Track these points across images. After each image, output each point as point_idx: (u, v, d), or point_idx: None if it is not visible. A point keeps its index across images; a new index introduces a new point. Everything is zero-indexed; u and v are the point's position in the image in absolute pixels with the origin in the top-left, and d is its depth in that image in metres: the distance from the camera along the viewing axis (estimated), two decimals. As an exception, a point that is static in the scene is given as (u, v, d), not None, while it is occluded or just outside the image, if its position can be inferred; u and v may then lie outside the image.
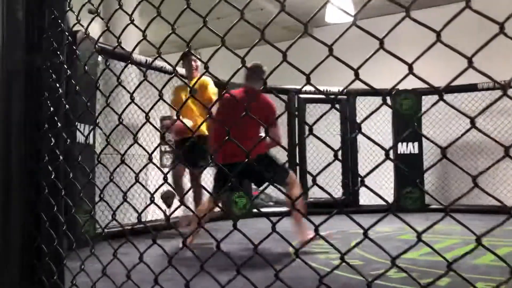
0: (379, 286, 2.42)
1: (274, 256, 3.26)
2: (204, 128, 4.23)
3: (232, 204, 5.73)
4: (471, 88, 6.34)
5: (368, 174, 1.03)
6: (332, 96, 5.97)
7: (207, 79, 4.59)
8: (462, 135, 0.95)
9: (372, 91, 5.04)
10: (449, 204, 0.94)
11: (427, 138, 1.12)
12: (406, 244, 3.80)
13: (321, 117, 1.07)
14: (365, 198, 6.81)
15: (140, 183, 1.22)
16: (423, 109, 6.67)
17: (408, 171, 6.33)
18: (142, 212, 1.30)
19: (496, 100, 0.90)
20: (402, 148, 6.55)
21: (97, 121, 1.84)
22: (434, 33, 0.91)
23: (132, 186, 1.30)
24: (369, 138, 1.03)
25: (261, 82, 3.59)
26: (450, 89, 6.26)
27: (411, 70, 0.93)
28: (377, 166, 0.99)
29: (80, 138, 3.68)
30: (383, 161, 0.95)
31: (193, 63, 4.60)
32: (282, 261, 3.08)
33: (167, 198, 6.35)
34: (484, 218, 5.37)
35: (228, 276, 1.17)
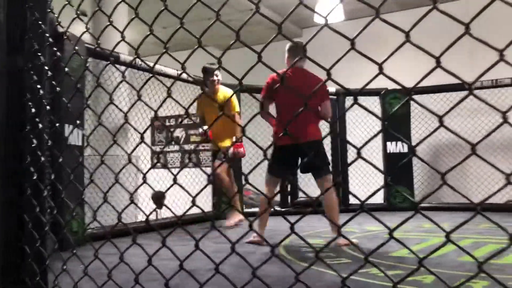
0: (361, 283, 2.45)
1: (257, 256, 3.27)
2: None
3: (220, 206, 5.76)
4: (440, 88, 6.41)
5: (342, 170, 1.05)
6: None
7: (228, 91, 4.86)
8: (431, 134, 0.97)
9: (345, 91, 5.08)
10: (419, 202, 0.96)
11: (401, 139, 1.14)
12: (392, 242, 3.81)
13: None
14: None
15: (119, 183, 1.23)
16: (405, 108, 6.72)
17: (397, 170, 6.36)
18: (121, 212, 1.30)
19: (463, 98, 0.92)
20: (392, 147, 6.59)
21: (82, 121, 1.84)
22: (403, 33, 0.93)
23: (111, 187, 1.31)
24: (342, 138, 1.05)
25: (305, 59, 3.33)
26: (438, 89, 6.30)
27: (381, 70, 0.95)
28: (349, 164, 1.01)
29: (71, 139, 3.68)
30: (354, 161, 0.96)
31: (214, 76, 4.80)
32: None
33: (157, 199, 6.34)
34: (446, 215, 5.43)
35: (207, 277, 1.18)
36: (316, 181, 3.67)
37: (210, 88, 4.89)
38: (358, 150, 0.96)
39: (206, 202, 5.90)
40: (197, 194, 1.12)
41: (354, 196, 1.05)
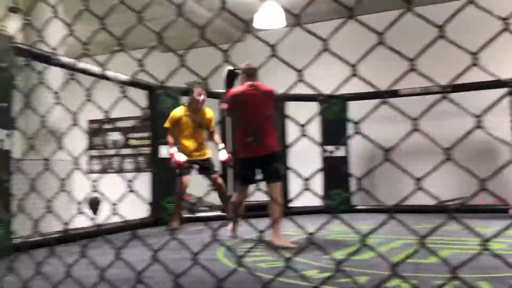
0: (301, 286, 2.45)
1: (204, 262, 3.18)
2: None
3: (165, 210, 5.59)
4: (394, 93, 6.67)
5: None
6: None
7: (210, 111, 5.33)
8: (404, 137, 0.96)
9: (306, 96, 5.15)
10: (394, 204, 0.94)
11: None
12: (330, 244, 3.89)
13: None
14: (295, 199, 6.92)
15: (64, 190, 1.12)
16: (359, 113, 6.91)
17: (335, 173, 6.49)
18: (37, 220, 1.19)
19: (435, 103, 0.92)
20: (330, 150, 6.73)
21: (14, 125, 1.69)
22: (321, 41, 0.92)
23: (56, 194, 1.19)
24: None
25: (256, 78, 3.96)
26: (376, 95, 6.53)
27: (300, 77, 0.93)
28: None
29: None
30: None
31: (202, 96, 5.13)
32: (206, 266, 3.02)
33: (93, 205, 6.06)
34: (424, 218, 5.66)
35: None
36: (267, 186, 3.91)
37: (195, 105, 5.19)
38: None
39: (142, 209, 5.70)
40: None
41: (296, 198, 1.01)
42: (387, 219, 0.84)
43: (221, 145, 5.21)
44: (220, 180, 5.28)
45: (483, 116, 0.82)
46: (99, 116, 5.94)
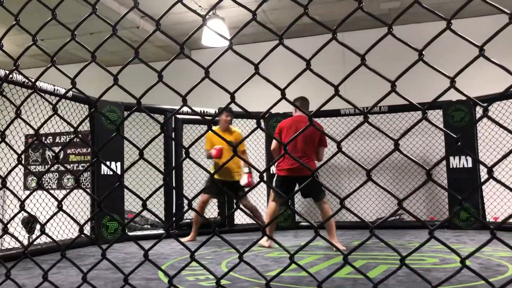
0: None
1: (140, 282, 3.12)
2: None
3: (102, 228, 5.42)
4: (335, 113, 6.89)
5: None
6: (209, 118, 6.05)
7: (240, 133, 5.65)
8: (330, 158, 1.00)
9: (246, 114, 5.20)
10: (318, 225, 0.98)
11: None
12: (273, 261, 3.95)
13: (197, 139, 1.06)
14: (240, 217, 6.95)
15: None
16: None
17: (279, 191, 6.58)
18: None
19: (359, 125, 0.97)
20: (274, 168, 6.82)
21: None
22: (304, 61, 0.96)
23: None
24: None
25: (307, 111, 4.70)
26: (319, 113, 6.71)
27: (283, 95, 0.97)
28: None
29: None
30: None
31: (229, 117, 5.51)
32: (149, 285, 2.96)
33: (28, 223, 5.77)
34: (346, 233, 5.82)
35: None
36: (316, 203, 4.69)
37: (223, 126, 5.53)
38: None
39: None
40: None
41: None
42: (313, 237, 0.87)
43: (246, 169, 5.41)
44: (245, 204, 5.46)
45: (400, 140, 0.88)
46: (41, 130, 5.71)
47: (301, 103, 4.75)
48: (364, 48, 1.03)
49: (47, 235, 1.04)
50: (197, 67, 1.08)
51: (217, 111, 5.85)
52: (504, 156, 0.87)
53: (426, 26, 6.46)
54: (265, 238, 5.01)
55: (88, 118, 5.67)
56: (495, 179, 0.86)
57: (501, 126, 0.92)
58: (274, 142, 4.91)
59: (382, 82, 1.00)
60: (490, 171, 0.87)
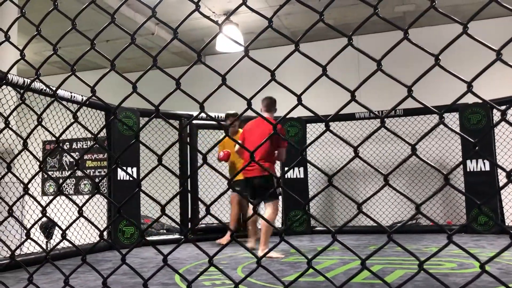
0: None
1: (157, 287, 3.14)
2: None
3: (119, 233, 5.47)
4: (350, 117, 6.87)
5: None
6: (225, 123, 6.09)
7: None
8: (347, 163, 1.01)
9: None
10: (338, 229, 0.98)
11: (313, 164, 1.17)
12: (289, 266, 3.94)
13: (215, 145, 1.07)
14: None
15: (14, 216, 1.10)
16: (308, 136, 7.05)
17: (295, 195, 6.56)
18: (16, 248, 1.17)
19: (376, 130, 0.97)
20: (289, 173, 6.81)
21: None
22: (320, 67, 0.97)
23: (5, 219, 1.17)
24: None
25: (274, 111, 4.79)
26: (335, 117, 6.69)
27: (300, 101, 0.98)
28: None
29: None
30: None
31: (236, 122, 5.60)
32: (173, 291, 2.97)
33: (46, 229, 5.85)
34: (362, 238, 5.78)
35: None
36: (264, 204, 4.61)
37: (231, 130, 5.77)
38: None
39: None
40: (107, 226, 1.04)
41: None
42: (331, 242, 0.88)
43: None
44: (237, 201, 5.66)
45: (417, 144, 0.88)
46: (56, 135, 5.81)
47: (268, 102, 4.73)
48: (378, 51, 1.03)
49: (68, 240, 1.05)
50: (212, 73, 1.09)
51: (223, 117, 6.02)
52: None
53: (441, 29, 6.41)
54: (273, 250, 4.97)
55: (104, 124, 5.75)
56: (514, 184, 0.85)
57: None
58: (236, 146, 4.99)
59: (396, 85, 1.00)
60: (509, 175, 0.87)
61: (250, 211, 4.86)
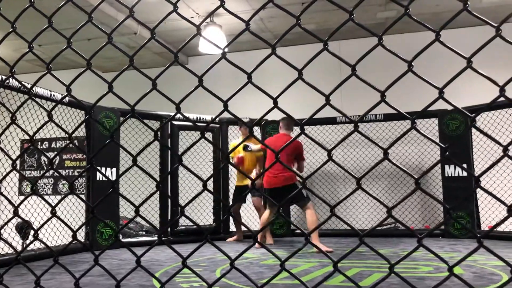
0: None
1: (141, 289, 3.11)
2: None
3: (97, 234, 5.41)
4: (331, 121, 6.92)
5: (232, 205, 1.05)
6: (203, 124, 6.07)
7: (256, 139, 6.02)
8: (320, 167, 1.02)
9: (238, 121, 5.23)
10: (308, 233, 0.99)
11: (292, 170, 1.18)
12: (268, 269, 3.95)
13: (190, 146, 1.07)
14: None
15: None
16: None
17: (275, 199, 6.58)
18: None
19: (349, 135, 0.98)
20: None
21: None
22: (296, 71, 0.98)
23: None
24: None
25: (292, 129, 5.48)
26: (314, 121, 6.74)
27: (275, 104, 0.98)
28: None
29: None
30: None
31: (246, 130, 6.01)
32: (150, 293, 2.95)
33: (22, 229, 5.75)
34: (341, 241, 5.83)
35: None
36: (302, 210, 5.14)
37: (243, 136, 6.12)
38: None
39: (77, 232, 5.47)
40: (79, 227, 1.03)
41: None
42: (304, 244, 0.88)
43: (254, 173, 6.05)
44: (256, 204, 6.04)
45: (389, 149, 0.90)
46: (36, 135, 5.74)
47: (287, 122, 5.43)
48: (359, 56, 1.04)
49: (40, 240, 1.04)
50: (197, 74, 1.10)
51: (205, 119, 6.40)
52: (491, 166, 0.89)
53: (419, 36, 6.51)
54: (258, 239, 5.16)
55: (84, 124, 5.68)
56: (482, 188, 0.87)
57: (487, 136, 0.93)
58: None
59: (377, 91, 1.02)
60: (477, 180, 0.89)
61: (266, 214, 5.28)
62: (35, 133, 1.14)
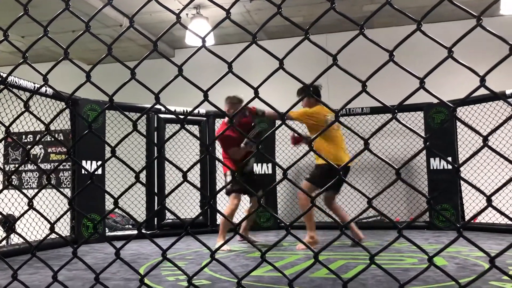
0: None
1: (119, 282, 3.09)
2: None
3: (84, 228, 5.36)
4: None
5: (216, 193, 1.04)
6: (182, 117, 6.04)
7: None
8: (300, 158, 1.01)
9: (221, 112, 5.22)
10: (290, 223, 0.99)
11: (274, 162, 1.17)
12: (254, 261, 3.96)
13: (170, 137, 1.05)
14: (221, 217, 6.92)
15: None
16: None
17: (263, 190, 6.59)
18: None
19: (328, 126, 0.98)
20: (257, 168, 6.83)
21: None
22: (277, 61, 0.97)
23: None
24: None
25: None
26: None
27: (256, 94, 0.97)
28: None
29: None
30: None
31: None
32: (128, 285, 2.93)
33: (6, 223, 5.68)
34: (328, 233, 5.86)
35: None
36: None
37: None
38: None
39: (63, 226, 5.43)
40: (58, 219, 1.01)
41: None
42: (284, 236, 0.88)
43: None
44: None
45: (371, 139, 0.89)
46: (20, 128, 5.67)
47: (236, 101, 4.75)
48: (346, 49, 1.03)
49: (18, 233, 1.02)
50: (186, 66, 1.08)
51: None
52: (471, 156, 0.89)
53: (405, 29, 6.52)
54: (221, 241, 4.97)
55: (69, 117, 5.61)
56: (462, 179, 0.87)
57: (468, 126, 0.93)
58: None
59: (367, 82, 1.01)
60: (457, 170, 0.89)
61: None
62: (11, 123, 1.12)
